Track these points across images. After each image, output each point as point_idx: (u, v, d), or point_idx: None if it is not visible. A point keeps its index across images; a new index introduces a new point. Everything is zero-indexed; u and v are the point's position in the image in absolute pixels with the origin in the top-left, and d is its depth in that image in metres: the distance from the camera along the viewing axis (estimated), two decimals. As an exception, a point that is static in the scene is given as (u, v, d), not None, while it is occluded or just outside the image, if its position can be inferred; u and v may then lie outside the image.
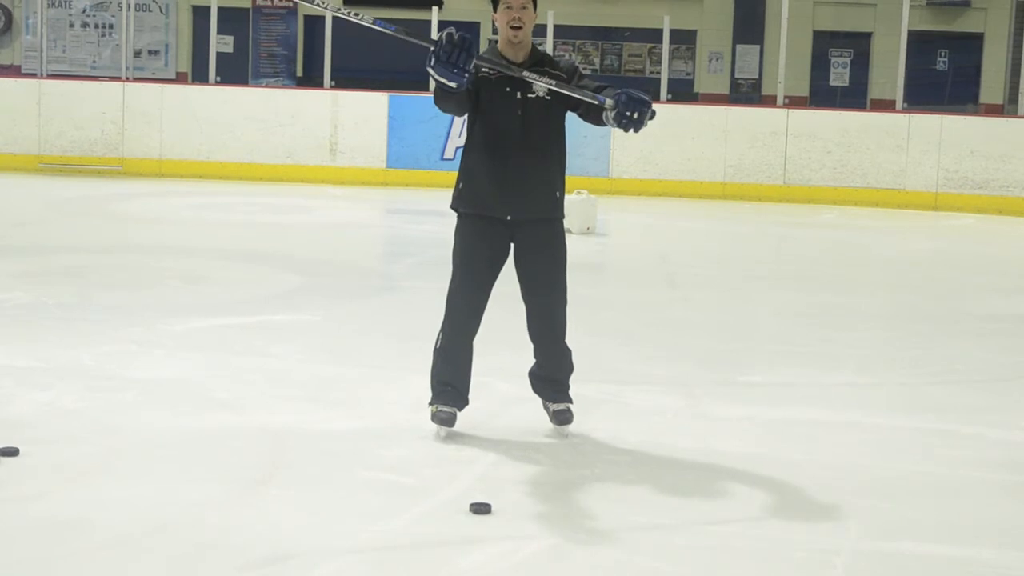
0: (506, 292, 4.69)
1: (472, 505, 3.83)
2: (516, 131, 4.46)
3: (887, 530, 3.85)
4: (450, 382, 4.60)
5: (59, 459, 4.24)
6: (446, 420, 4.58)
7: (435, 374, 4.64)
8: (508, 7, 4.46)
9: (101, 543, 3.53)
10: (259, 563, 3.43)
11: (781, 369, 6.14)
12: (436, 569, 3.44)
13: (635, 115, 4.28)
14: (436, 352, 4.64)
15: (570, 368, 4.75)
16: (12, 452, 4.16)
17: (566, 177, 4.62)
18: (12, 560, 3.40)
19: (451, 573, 3.43)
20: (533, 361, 4.76)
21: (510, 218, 4.51)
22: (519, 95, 4.46)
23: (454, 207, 4.60)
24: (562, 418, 4.71)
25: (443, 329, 4.62)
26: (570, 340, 4.73)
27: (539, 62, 4.53)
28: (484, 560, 3.51)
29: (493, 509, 3.83)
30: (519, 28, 4.46)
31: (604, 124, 4.40)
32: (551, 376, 4.73)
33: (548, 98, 4.47)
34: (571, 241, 4.70)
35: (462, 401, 4.63)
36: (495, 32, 4.66)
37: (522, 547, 3.60)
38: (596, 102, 4.36)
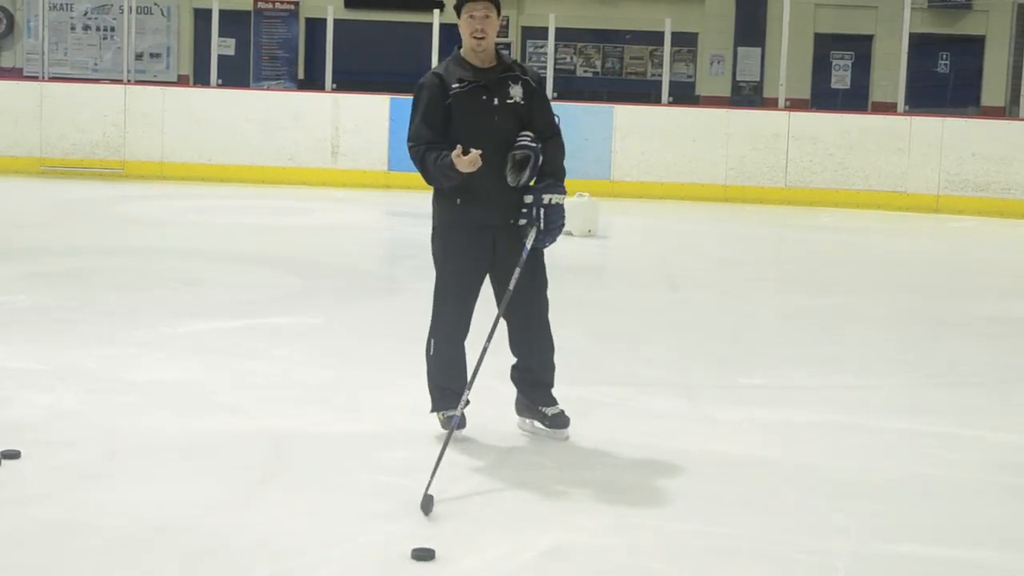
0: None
1: (414, 551, 3.49)
2: (499, 137, 4.44)
3: (888, 532, 3.85)
4: (448, 385, 4.57)
5: (60, 461, 4.24)
6: (459, 423, 4.50)
7: (432, 380, 4.62)
8: (471, 16, 4.42)
9: (102, 545, 3.54)
10: (260, 565, 3.44)
11: (782, 371, 6.14)
12: (436, 570, 3.44)
13: (552, 230, 4.45)
14: (430, 359, 4.62)
15: (553, 366, 4.69)
16: (14, 454, 4.16)
17: (566, 180, 4.61)
18: (13, 562, 3.40)
19: (451, 574, 3.43)
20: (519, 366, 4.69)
21: (512, 222, 4.50)
22: (496, 101, 4.45)
23: (449, 221, 4.54)
24: (560, 422, 4.66)
25: (433, 335, 4.60)
26: (571, 342, 4.72)
27: (508, 68, 4.51)
28: (484, 561, 3.51)
29: (436, 548, 3.52)
30: (482, 38, 4.43)
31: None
32: (539, 379, 4.67)
33: (523, 102, 4.48)
34: (572, 244, 4.69)
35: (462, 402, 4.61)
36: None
37: (522, 548, 3.60)
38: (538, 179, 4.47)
